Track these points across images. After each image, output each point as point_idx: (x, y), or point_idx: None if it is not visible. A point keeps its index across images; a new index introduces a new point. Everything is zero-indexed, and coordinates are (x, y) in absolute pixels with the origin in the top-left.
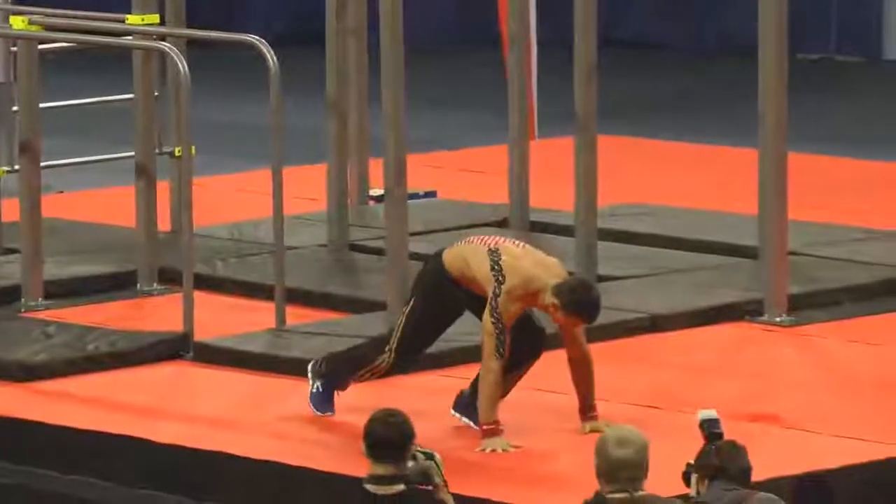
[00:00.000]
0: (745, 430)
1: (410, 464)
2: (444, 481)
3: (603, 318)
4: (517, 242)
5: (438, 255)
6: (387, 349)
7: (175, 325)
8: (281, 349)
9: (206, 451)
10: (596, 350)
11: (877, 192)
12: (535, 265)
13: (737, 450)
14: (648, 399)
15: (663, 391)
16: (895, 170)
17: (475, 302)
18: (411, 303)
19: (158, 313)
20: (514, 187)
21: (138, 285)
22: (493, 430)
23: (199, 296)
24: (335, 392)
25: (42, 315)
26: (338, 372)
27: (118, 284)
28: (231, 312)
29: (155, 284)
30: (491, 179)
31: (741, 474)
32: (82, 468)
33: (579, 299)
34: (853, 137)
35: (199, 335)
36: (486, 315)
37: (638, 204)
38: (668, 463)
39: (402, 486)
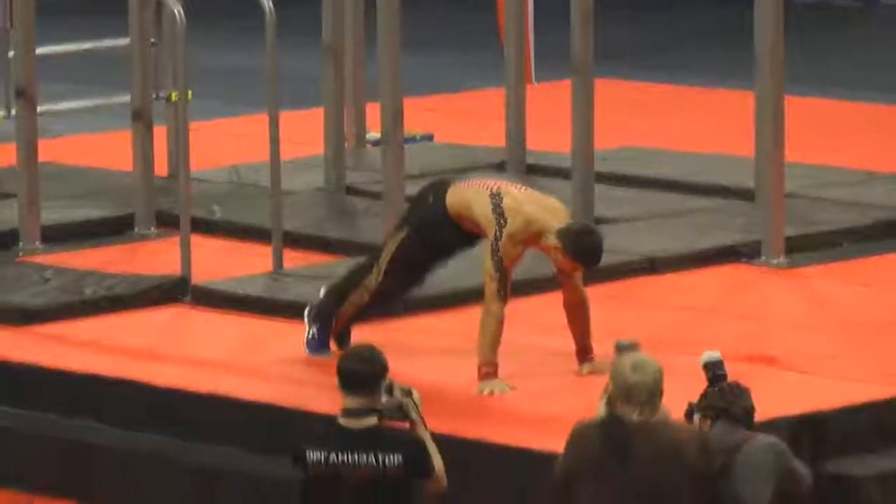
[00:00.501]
0: (743, 371)
1: (385, 398)
2: (422, 418)
3: (604, 259)
4: (519, 186)
5: (440, 195)
6: (374, 270)
7: (172, 268)
8: (278, 292)
9: (203, 393)
10: (594, 292)
11: (874, 135)
12: (538, 208)
13: (740, 391)
14: (646, 341)
15: (661, 333)
16: (893, 112)
17: (473, 241)
18: (406, 232)
19: (156, 257)
20: (511, 130)
21: (135, 229)
22: (491, 372)
23: (196, 239)
24: (330, 336)
25: (39, 259)
26: (325, 305)
27: (115, 229)
28: (228, 256)
29: (152, 228)
30: (488, 123)
31: (744, 415)
32: (80, 411)
33: (582, 244)
34: (851, 80)
35: (197, 279)
36: (487, 258)
37: (635, 147)
38: (670, 403)
39: (374, 420)
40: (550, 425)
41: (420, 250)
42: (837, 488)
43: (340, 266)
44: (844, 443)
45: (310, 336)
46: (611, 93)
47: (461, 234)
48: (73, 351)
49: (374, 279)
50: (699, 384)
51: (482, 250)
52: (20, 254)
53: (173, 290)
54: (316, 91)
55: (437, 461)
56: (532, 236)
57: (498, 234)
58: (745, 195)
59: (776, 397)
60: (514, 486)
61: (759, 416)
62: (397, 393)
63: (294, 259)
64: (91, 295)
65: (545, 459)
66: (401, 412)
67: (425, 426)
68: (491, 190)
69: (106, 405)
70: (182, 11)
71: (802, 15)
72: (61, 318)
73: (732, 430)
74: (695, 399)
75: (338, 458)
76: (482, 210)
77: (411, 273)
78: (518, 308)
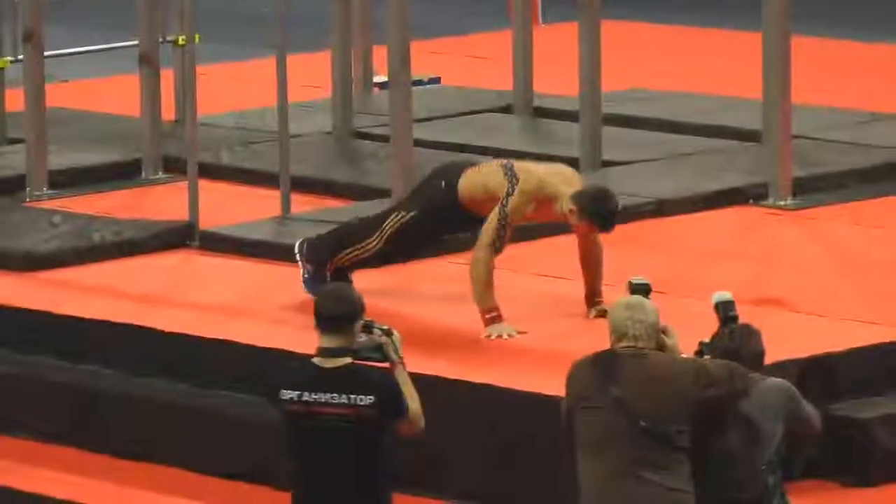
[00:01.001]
0: (751, 313)
1: (364, 338)
2: (401, 358)
3: None
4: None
5: (452, 181)
6: (377, 234)
7: (180, 213)
8: (286, 237)
9: (211, 338)
10: (602, 235)
11: (881, 76)
12: (550, 173)
13: (751, 333)
14: (655, 283)
15: (669, 275)
16: None
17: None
18: (413, 213)
19: (163, 202)
20: (519, 73)
21: (143, 174)
22: (495, 317)
23: (204, 184)
24: (326, 273)
25: (47, 205)
26: (320, 250)
27: (123, 173)
28: (236, 201)
29: (160, 173)
30: (495, 65)
31: (754, 358)
32: (88, 357)
33: (598, 207)
34: (857, 19)
35: (205, 224)
36: (495, 210)
37: (642, 89)
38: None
39: (348, 360)
40: (558, 369)
41: (425, 230)
42: (845, 430)
43: (348, 212)
44: (852, 385)
45: (306, 275)
46: (618, 34)
47: (470, 218)
48: (81, 297)
49: (374, 243)
50: (708, 326)
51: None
52: (28, 199)
53: (181, 235)
54: (323, 34)
55: (414, 403)
56: (544, 200)
57: (510, 190)
58: (753, 137)
59: (784, 339)
60: (522, 429)
61: (767, 359)
62: (377, 332)
63: (302, 203)
64: (99, 240)
65: (554, 403)
66: (379, 352)
67: (404, 367)
68: (502, 163)
69: (113, 351)
70: None
71: None
72: (69, 264)
73: (747, 372)
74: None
75: (311, 396)
76: (496, 179)
77: (414, 245)
78: (523, 253)
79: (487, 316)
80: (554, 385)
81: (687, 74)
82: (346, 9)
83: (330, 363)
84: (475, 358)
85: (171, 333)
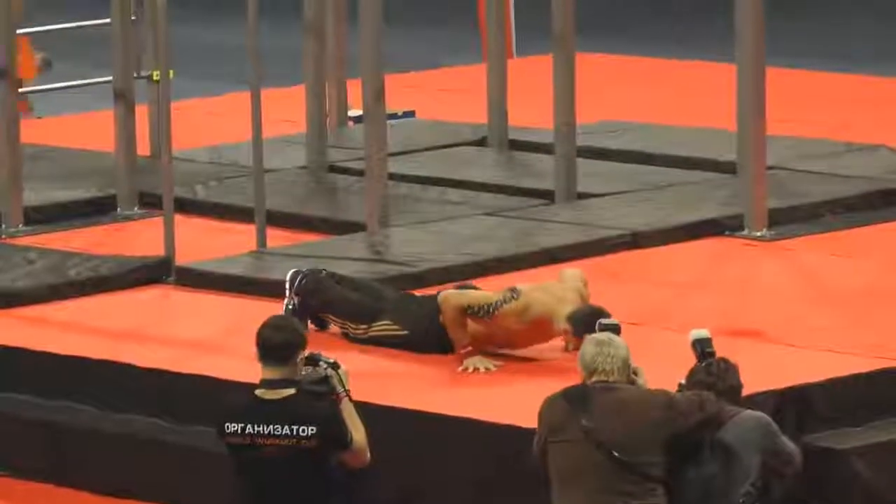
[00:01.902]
0: (728, 344)
1: (309, 370)
2: (347, 391)
3: (584, 235)
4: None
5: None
6: (364, 327)
7: (156, 249)
8: (262, 271)
9: (188, 374)
10: (580, 266)
11: (855, 106)
12: (546, 295)
13: (728, 367)
14: (631, 315)
15: (646, 307)
16: (874, 83)
17: None
18: (406, 333)
19: (139, 238)
20: (493, 106)
21: (118, 210)
22: (471, 351)
23: (180, 219)
24: (307, 313)
25: (23, 241)
26: (313, 296)
27: (98, 209)
28: (212, 236)
29: (135, 209)
30: (469, 98)
31: (731, 391)
32: (63, 393)
33: (591, 329)
34: (831, 51)
35: (181, 259)
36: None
37: (617, 121)
38: (653, 379)
39: (291, 391)
40: (534, 402)
41: (411, 347)
42: (822, 461)
43: (323, 246)
44: (830, 416)
45: (290, 305)
46: (592, 66)
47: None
48: (57, 333)
49: (359, 332)
50: (683, 360)
51: None
52: (3, 236)
53: (157, 271)
54: (297, 68)
55: (359, 435)
56: (539, 320)
57: (504, 299)
58: (728, 168)
59: (760, 371)
60: (497, 462)
61: (744, 391)
62: (322, 366)
63: (277, 238)
64: (75, 276)
65: (529, 435)
66: (324, 384)
67: (350, 399)
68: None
69: (89, 387)
70: None
71: None
72: (45, 300)
73: (719, 404)
74: (682, 375)
75: (254, 428)
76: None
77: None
78: (499, 285)
79: (462, 351)
80: (531, 418)
81: (661, 106)
82: (320, 43)
83: (272, 394)
84: (453, 391)
85: (148, 369)
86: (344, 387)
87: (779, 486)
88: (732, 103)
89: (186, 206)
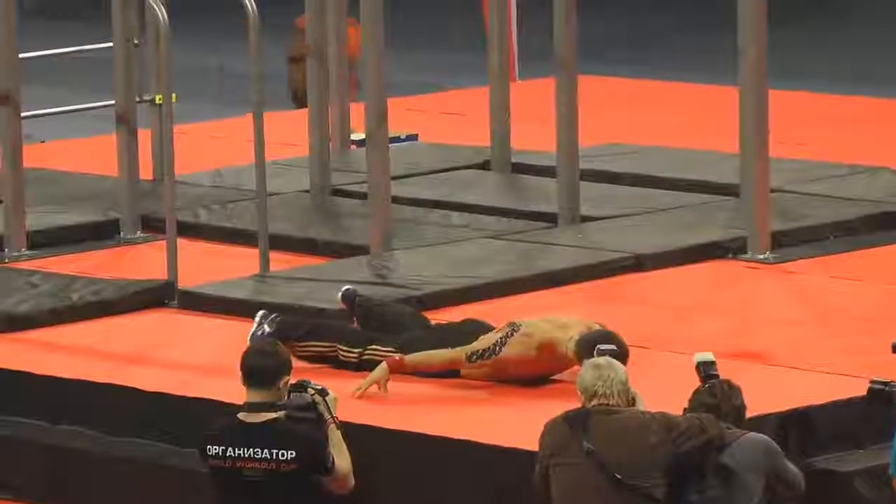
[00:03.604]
0: (730, 367)
1: (293, 396)
2: (335, 418)
3: (587, 258)
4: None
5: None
6: (358, 352)
7: (159, 272)
8: (265, 295)
9: (192, 398)
10: (580, 290)
11: (858, 128)
12: (550, 326)
13: (731, 389)
14: (634, 338)
15: (648, 330)
16: (877, 105)
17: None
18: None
19: (142, 261)
20: (496, 129)
21: (121, 234)
22: (392, 365)
23: (183, 243)
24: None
25: (25, 265)
26: (295, 326)
27: (101, 233)
28: (214, 259)
29: (138, 233)
30: (472, 121)
31: (734, 413)
32: (68, 418)
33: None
34: (834, 73)
35: (183, 282)
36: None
37: (620, 144)
38: (656, 401)
39: (273, 415)
40: (536, 425)
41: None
42: (825, 484)
43: (327, 269)
44: (832, 438)
45: (259, 332)
46: (594, 89)
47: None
48: (60, 357)
49: (352, 357)
50: (686, 382)
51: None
52: (6, 260)
53: (160, 295)
54: None
55: (343, 460)
56: (547, 345)
57: (505, 335)
58: (731, 191)
59: (763, 393)
60: (497, 486)
61: (746, 413)
62: (310, 391)
63: (280, 261)
64: (78, 300)
65: (531, 459)
66: (311, 410)
67: (338, 426)
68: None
69: (93, 411)
70: (165, 14)
71: (784, 7)
72: (48, 324)
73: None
74: (685, 398)
75: (234, 452)
76: (493, 335)
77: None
78: (502, 308)
79: (394, 358)
80: (532, 441)
81: (664, 129)
82: (323, 67)
83: (254, 418)
84: (453, 413)
85: (151, 393)
86: (331, 413)
87: None
88: (735, 125)
89: (189, 230)
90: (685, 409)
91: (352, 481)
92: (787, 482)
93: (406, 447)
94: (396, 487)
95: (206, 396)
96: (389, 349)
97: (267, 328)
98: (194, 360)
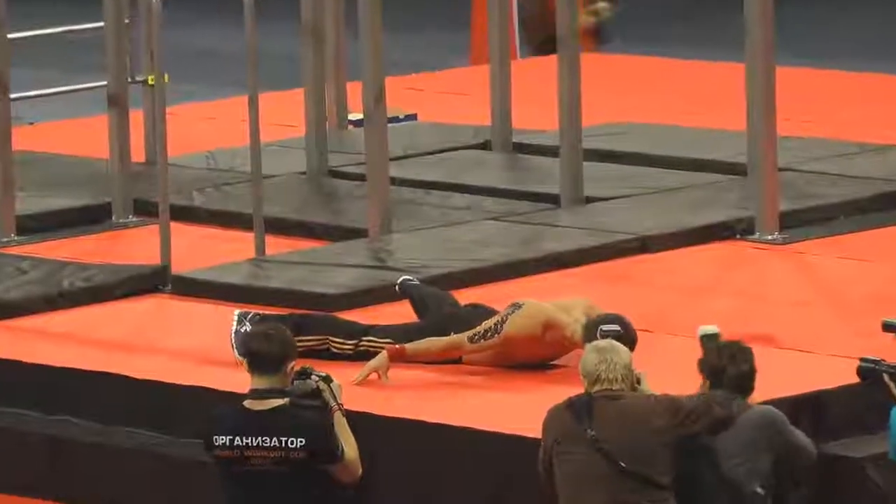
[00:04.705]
0: None
1: (298, 383)
2: (339, 404)
3: (592, 239)
4: None
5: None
6: (353, 343)
7: (152, 258)
8: (261, 280)
9: (186, 386)
10: (585, 272)
11: (868, 106)
12: (555, 307)
13: (739, 351)
14: (640, 322)
15: (655, 313)
16: (887, 81)
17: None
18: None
19: (134, 246)
20: (496, 108)
21: (113, 218)
22: (393, 354)
23: (176, 227)
24: None
25: (15, 251)
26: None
27: (92, 218)
28: (209, 244)
29: (130, 217)
30: (472, 101)
31: (740, 378)
32: (60, 407)
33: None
34: (843, 49)
35: (177, 268)
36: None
37: (623, 122)
38: (663, 386)
39: (279, 402)
40: (539, 411)
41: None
42: (837, 469)
43: (324, 253)
44: (844, 423)
45: (241, 329)
46: (597, 67)
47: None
48: (52, 345)
49: (348, 348)
50: (693, 366)
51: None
52: None
53: (153, 280)
54: (295, 71)
55: (351, 449)
56: (549, 327)
57: (508, 313)
58: (738, 170)
59: (773, 377)
60: (501, 474)
61: (757, 397)
62: (315, 380)
63: (276, 245)
64: (69, 286)
65: (534, 446)
66: (316, 397)
67: (342, 413)
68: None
69: (86, 400)
70: None
71: None
72: (39, 311)
73: (729, 401)
74: (692, 382)
75: (242, 440)
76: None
77: None
78: (504, 291)
79: (394, 349)
80: (536, 428)
81: (668, 107)
82: (319, 46)
83: (260, 405)
84: (455, 400)
85: (144, 381)
86: (336, 400)
87: (794, 496)
88: (742, 103)
89: (183, 214)
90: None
91: (359, 469)
92: (797, 451)
93: (405, 435)
94: (396, 476)
95: (200, 384)
96: (385, 340)
97: (249, 328)
98: (189, 346)
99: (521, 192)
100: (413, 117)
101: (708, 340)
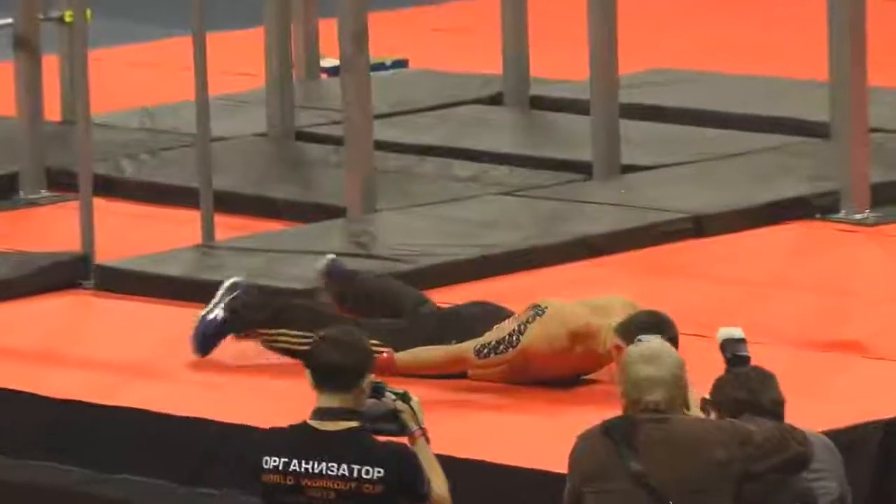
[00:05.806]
0: (818, 361)
1: (371, 402)
2: (423, 429)
3: (634, 219)
4: None
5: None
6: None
7: (70, 243)
8: (209, 271)
9: (112, 406)
10: (626, 260)
11: None
12: (584, 309)
13: (764, 377)
14: (692, 324)
15: (710, 313)
16: None
17: None
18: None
19: (48, 229)
20: (509, 51)
21: (21, 193)
22: (383, 360)
23: (101, 204)
24: (225, 337)
25: None
26: (257, 309)
27: None
28: (142, 225)
29: (43, 191)
30: (478, 41)
31: (773, 408)
32: None
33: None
34: None
35: (102, 256)
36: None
37: (670, 69)
38: None
39: (354, 423)
40: (566, 440)
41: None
42: None
43: (288, 238)
44: None
45: (210, 317)
46: (633, 3)
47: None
48: None
49: None
50: None
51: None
52: None
53: (72, 272)
54: (255, 5)
55: (439, 483)
56: (580, 339)
57: (527, 319)
58: (817, 131)
59: (864, 393)
60: None
61: (840, 421)
62: (389, 397)
63: (229, 227)
64: None
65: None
66: (394, 421)
67: (427, 439)
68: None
69: None
70: None
71: None
72: None
73: (805, 437)
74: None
75: (301, 466)
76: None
77: None
78: (520, 286)
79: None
80: (562, 461)
81: (727, 50)
82: None
83: (329, 426)
84: (461, 426)
85: (61, 401)
86: (419, 423)
87: None
88: (822, 44)
89: (109, 187)
90: (703, 401)
91: None
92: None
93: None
94: None
95: (131, 405)
96: (376, 341)
97: (224, 316)
98: (116, 357)
99: (541, 160)
100: (403, 64)
101: (730, 347)
